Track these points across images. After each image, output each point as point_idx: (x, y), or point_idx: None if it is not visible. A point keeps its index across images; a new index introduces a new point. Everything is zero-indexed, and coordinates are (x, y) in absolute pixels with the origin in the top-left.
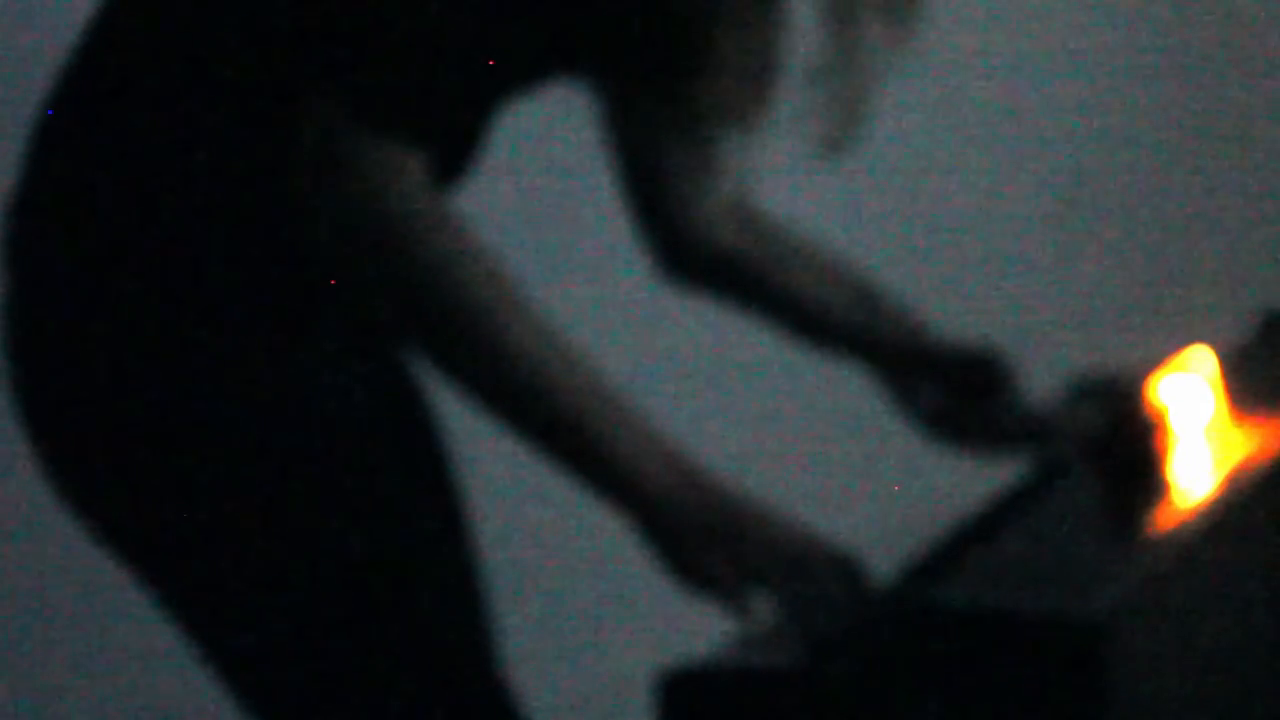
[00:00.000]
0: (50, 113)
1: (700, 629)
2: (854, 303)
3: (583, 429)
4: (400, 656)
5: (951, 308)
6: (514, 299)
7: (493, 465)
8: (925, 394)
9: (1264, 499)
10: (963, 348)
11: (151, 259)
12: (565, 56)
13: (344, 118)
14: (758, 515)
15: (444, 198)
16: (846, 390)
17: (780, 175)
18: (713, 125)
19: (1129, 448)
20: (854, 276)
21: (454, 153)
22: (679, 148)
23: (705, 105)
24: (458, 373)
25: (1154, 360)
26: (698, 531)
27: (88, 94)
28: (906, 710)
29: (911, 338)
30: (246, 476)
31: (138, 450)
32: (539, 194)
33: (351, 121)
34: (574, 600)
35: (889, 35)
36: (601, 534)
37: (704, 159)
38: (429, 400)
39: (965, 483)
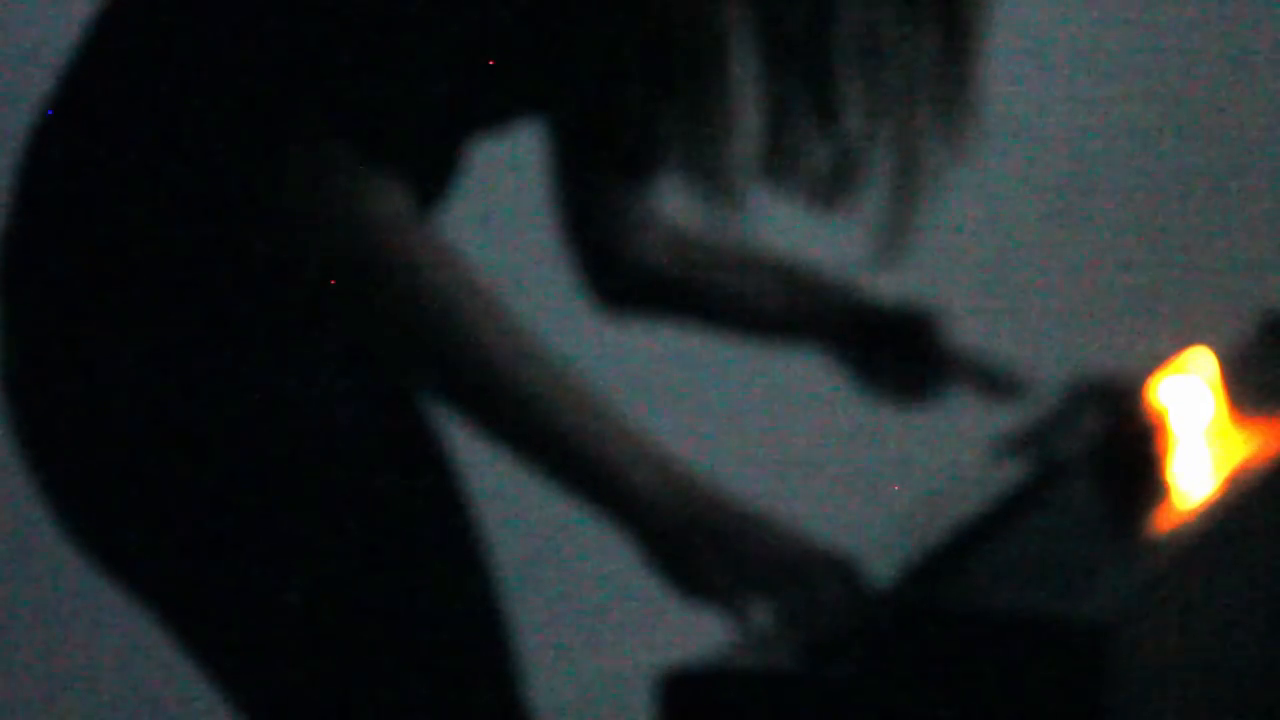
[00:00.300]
0: (50, 112)
1: (700, 630)
2: (789, 286)
3: (573, 441)
4: (411, 668)
5: (952, 309)
6: (501, 316)
7: (492, 466)
8: (873, 357)
9: (1264, 500)
10: (899, 305)
11: (141, 280)
12: (529, 94)
13: (332, 144)
14: (754, 520)
15: (429, 220)
16: (845, 392)
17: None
18: (650, 163)
19: (1129, 449)
20: (782, 260)
21: (434, 180)
22: (612, 183)
23: (643, 144)
24: (450, 395)
25: (1154, 362)
26: (693, 538)
27: (77, 119)
28: (906, 712)
29: (850, 305)
30: (242, 498)
31: (134, 472)
32: (522, 206)
33: (339, 149)
34: (574, 601)
35: (942, 139)
36: (600, 534)
37: (636, 192)
38: (426, 408)
39: (965, 484)
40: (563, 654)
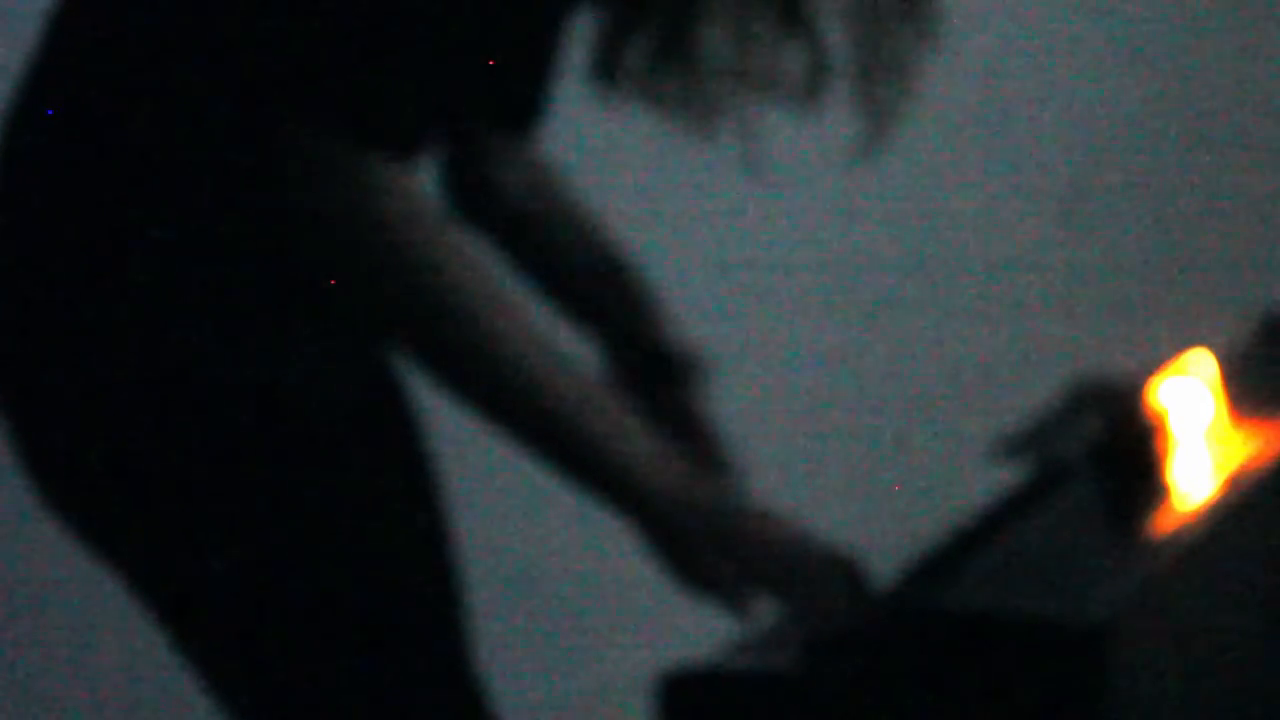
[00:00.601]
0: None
1: (699, 631)
2: (601, 281)
3: (581, 433)
4: (376, 659)
5: (952, 311)
6: (510, 304)
7: (491, 466)
8: (625, 380)
9: (1264, 502)
10: (676, 346)
11: (139, 265)
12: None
13: (334, 135)
14: (760, 517)
15: (440, 208)
16: (848, 392)
17: (785, 174)
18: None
19: (1129, 451)
20: (616, 257)
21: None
22: (499, 122)
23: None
24: (457, 383)
25: (1154, 364)
26: (700, 533)
27: (73, 113)
28: (905, 713)
29: (637, 324)
30: (231, 483)
31: (123, 455)
32: None
33: (342, 139)
34: (573, 603)
35: (912, 33)
36: (600, 536)
37: (511, 132)
38: (420, 405)
39: (966, 485)
40: (562, 655)
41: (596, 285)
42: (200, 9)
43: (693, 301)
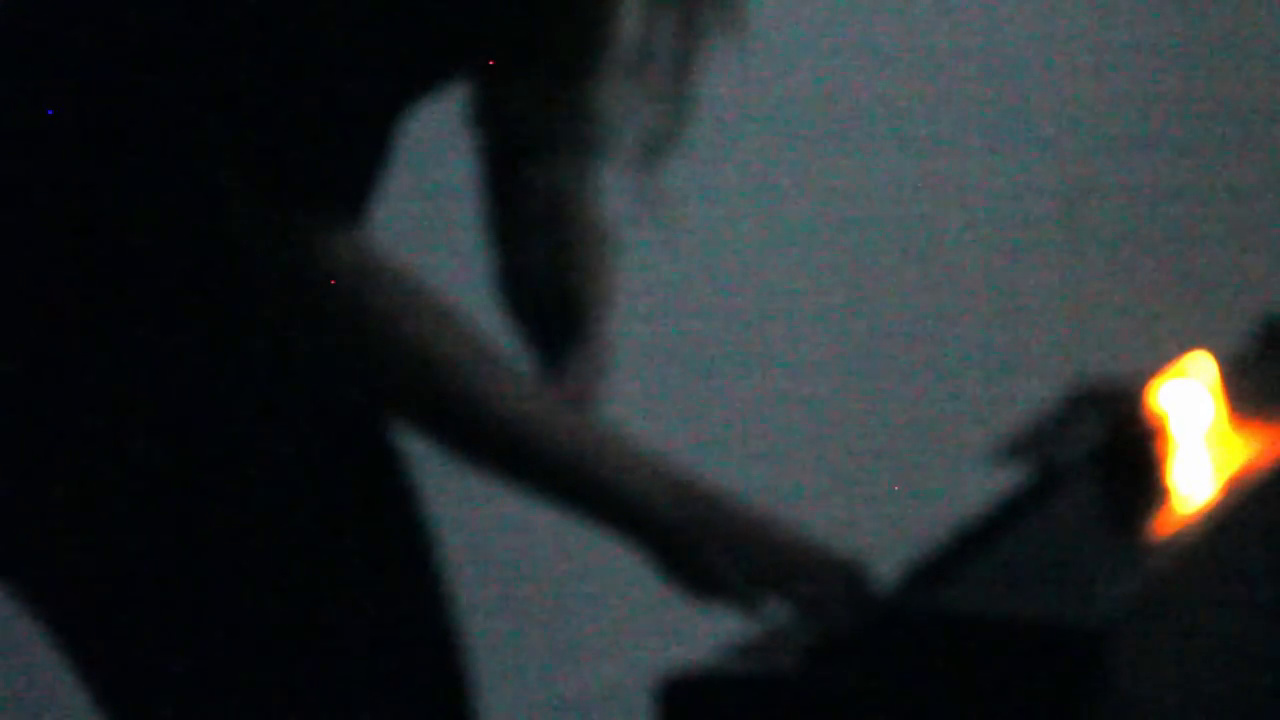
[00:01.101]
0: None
1: (699, 634)
2: (563, 337)
3: (571, 465)
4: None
5: (952, 312)
6: (480, 348)
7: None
8: None
9: (1264, 504)
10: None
11: (90, 329)
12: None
13: (267, 204)
14: (759, 520)
15: (391, 258)
16: (848, 392)
17: (776, 172)
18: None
19: (1129, 453)
20: (591, 320)
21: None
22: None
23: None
24: (437, 434)
25: (1154, 366)
26: (701, 541)
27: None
28: (906, 715)
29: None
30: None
31: (63, 497)
32: None
33: (275, 208)
34: (573, 603)
35: (721, 22)
36: (598, 540)
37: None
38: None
39: (966, 487)
40: (562, 656)
41: (556, 337)
42: (137, 68)
43: (692, 301)
